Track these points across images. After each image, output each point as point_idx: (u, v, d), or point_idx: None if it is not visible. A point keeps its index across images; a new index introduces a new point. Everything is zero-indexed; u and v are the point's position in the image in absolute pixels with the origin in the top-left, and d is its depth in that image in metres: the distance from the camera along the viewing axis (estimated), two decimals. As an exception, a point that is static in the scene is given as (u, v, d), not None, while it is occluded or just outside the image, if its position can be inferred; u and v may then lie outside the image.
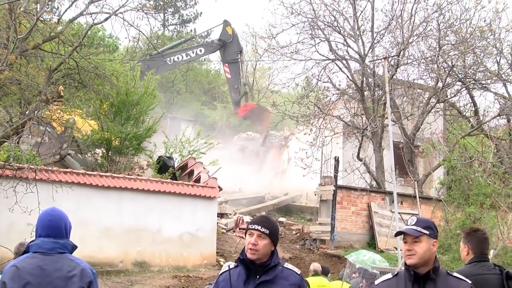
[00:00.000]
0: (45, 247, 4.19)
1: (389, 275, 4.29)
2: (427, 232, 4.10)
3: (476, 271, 5.02)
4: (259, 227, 4.31)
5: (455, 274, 4.10)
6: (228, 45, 31.52)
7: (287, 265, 4.44)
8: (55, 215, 4.39)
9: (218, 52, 34.41)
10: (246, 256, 4.31)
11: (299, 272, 4.39)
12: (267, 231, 4.31)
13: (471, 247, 5.47)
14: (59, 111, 18.50)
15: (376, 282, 4.37)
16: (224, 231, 22.81)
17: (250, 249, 4.27)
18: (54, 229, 4.30)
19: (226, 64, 32.38)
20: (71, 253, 4.32)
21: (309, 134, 24.81)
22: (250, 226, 4.39)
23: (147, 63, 27.76)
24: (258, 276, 4.28)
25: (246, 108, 30.17)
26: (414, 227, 4.12)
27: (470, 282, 4.02)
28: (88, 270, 4.27)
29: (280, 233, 23.91)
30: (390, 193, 20.50)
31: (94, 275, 4.31)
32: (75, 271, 4.17)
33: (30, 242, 4.29)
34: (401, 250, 13.71)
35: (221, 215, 24.12)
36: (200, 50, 33.38)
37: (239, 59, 31.60)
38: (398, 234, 4.36)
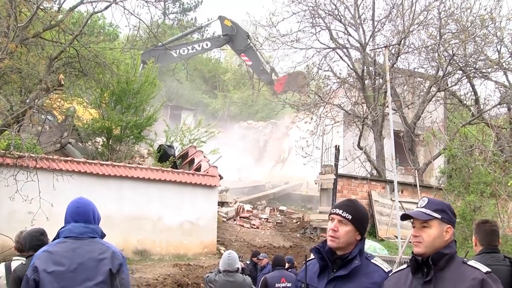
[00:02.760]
0: (76, 231, 4.27)
1: (404, 265, 3.75)
2: (439, 216, 3.52)
3: (485, 262, 4.72)
4: (340, 211, 3.81)
5: (470, 262, 3.49)
6: (234, 37, 31.68)
7: (376, 260, 3.86)
8: (83, 202, 4.47)
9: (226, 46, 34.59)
10: (326, 246, 3.84)
11: (387, 270, 3.79)
12: (350, 216, 3.78)
13: (478, 238, 5.52)
14: (59, 99, 18.48)
15: (392, 273, 3.82)
16: (225, 219, 22.85)
17: (330, 235, 3.78)
18: (82, 215, 4.38)
19: (242, 54, 32.55)
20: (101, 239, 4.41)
21: (309, 123, 24.81)
22: (331, 210, 3.89)
23: (152, 54, 27.78)
24: (335, 270, 3.78)
25: (281, 82, 30.27)
26: (423, 210, 3.57)
27: (485, 271, 3.42)
28: (119, 254, 4.35)
29: (280, 221, 24.24)
30: (391, 182, 20.55)
31: (124, 259, 4.39)
32: (106, 254, 4.25)
33: (60, 228, 4.35)
34: (402, 239, 13.76)
35: (221, 204, 24.17)
36: (206, 44, 33.59)
37: (250, 43, 31.72)
38: (404, 217, 3.72)
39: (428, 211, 3.55)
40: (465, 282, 3.38)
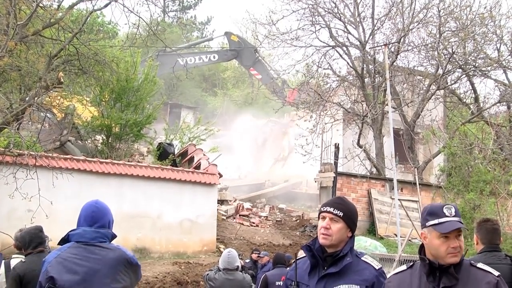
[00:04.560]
0: (87, 236, 4.18)
1: (404, 267, 3.72)
2: (463, 223, 3.46)
3: (486, 260, 4.75)
4: (331, 209, 3.81)
5: (480, 265, 3.46)
6: (241, 52, 31.84)
7: (366, 257, 3.86)
8: (100, 207, 4.37)
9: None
10: (317, 243, 3.84)
11: (377, 267, 3.78)
12: (341, 214, 3.79)
13: (480, 237, 5.51)
14: (59, 97, 18.47)
15: (390, 274, 3.80)
16: (224, 217, 22.86)
17: (323, 233, 3.77)
18: (97, 220, 4.29)
19: (251, 68, 32.74)
20: (110, 242, 4.32)
21: (309, 121, 24.80)
22: (322, 209, 3.89)
23: (160, 59, 27.87)
24: (326, 268, 3.77)
25: (293, 93, 30.47)
26: (457, 219, 3.45)
27: (497, 274, 3.40)
28: (134, 258, 4.30)
29: (280, 219, 24.24)
30: (390, 180, 20.53)
31: (137, 262, 4.35)
32: (121, 258, 4.20)
33: (70, 231, 4.24)
34: (401, 237, 13.76)
35: (221, 202, 24.18)
36: (214, 57, 33.83)
37: (258, 57, 31.87)
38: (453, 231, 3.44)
39: (460, 219, 3.48)
40: (479, 286, 3.37)
